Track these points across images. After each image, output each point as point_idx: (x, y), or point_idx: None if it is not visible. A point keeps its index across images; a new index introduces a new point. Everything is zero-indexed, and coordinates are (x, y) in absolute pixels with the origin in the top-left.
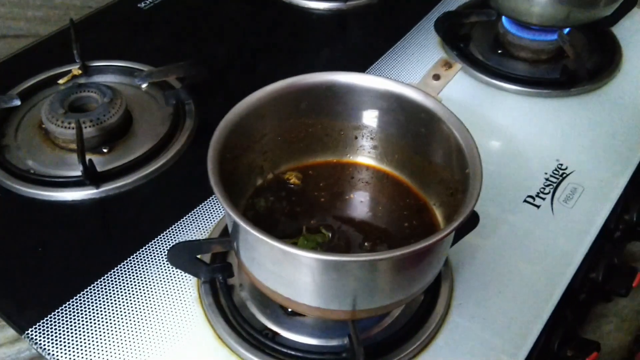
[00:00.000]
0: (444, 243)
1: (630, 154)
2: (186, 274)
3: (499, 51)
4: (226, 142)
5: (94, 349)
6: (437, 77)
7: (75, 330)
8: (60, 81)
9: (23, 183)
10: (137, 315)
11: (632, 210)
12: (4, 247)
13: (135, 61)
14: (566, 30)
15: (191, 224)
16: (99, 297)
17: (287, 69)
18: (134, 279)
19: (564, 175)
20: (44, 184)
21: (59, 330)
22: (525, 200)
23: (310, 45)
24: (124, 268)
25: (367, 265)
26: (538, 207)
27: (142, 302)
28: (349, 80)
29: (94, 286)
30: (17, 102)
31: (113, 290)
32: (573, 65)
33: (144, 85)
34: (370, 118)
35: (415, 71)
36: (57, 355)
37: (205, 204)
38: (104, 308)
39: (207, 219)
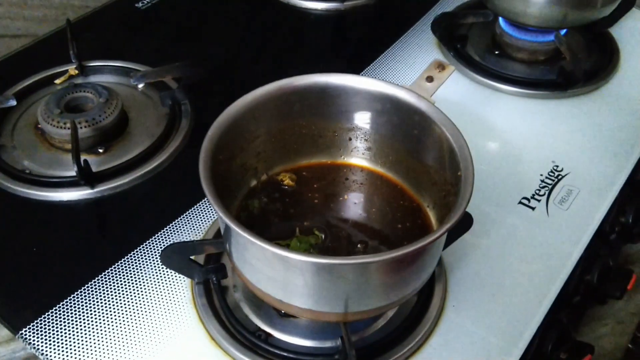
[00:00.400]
0: (436, 245)
1: (627, 155)
2: (180, 275)
3: (496, 52)
4: (219, 143)
5: (87, 349)
6: (430, 79)
7: (69, 330)
8: (57, 81)
9: (19, 183)
10: (130, 315)
11: (628, 213)
12: None
13: (132, 61)
14: (563, 31)
15: (185, 225)
16: (93, 298)
17: (284, 70)
18: (127, 279)
19: (560, 177)
20: (40, 184)
21: (53, 330)
22: (520, 202)
23: (308, 46)
24: (118, 269)
25: (359, 268)
26: (533, 208)
27: (136, 303)
28: (343, 82)
29: (88, 286)
30: (14, 102)
31: (107, 291)
32: (570, 67)
33: (140, 86)
34: (363, 120)
35: (411, 72)
36: (51, 356)
37: (200, 205)
38: (98, 309)
39: (201, 220)
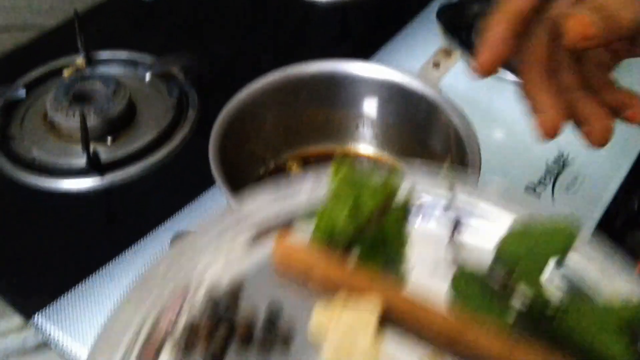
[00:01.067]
0: None
1: (632, 142)
2: None
3: None
4: (227, 131)
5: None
6: (437, 65)
7: (79, 316)
8: (65, 72)
9: (28, 173)
10: None
11: (634, 199)
12: (10, 236)
13: (139, 52)
14: None
15: (193, 213)
16: (102, 284)
17: (289, 60)
18: (137, 267)
19: (565, 163)
20: (49, 174)
21: (64, 316)
22: (526, 188)
23: (313, 36)
24: (127, 256)
25: None
26: (539, 195)
27: None
28: (349, 69)
29: (97, 273)
30: (23, 94)
31: (117, 278)
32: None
33: (147, 76)
34: (370, 107)
35: (417, 60)
36: (63, 341)
37: (207, 193)
38: (107, 295)
39: (209, 208)
